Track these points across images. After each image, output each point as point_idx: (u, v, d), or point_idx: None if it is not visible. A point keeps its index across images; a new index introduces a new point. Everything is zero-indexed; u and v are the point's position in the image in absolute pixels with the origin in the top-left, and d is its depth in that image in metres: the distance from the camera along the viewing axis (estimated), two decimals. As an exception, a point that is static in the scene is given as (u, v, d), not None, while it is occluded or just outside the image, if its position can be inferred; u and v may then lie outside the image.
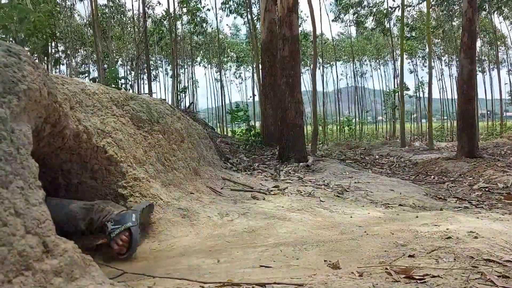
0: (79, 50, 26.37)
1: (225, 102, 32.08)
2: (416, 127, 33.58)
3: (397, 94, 20.12)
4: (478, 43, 24.61)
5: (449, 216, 2.96)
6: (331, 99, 36.82)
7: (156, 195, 2.90)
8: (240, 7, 19.93)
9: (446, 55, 31.52)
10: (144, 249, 2.43)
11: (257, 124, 15.13)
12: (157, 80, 35.87)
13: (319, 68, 30.97)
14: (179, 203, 3.03)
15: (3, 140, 1.25)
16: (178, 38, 21.86)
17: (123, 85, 8.50)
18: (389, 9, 21.68)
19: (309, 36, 24.34)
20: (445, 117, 33.79)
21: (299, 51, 7.96)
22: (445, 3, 21.47)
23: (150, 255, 2.32)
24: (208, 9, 36.36)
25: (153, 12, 24.03)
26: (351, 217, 3.18)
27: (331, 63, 35.64)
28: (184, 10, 19.10)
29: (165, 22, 18.04)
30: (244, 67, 37.12)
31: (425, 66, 33.59)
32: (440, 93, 35.84)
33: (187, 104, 17.55)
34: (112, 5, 23.97)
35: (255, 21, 18.99)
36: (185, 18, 21.54)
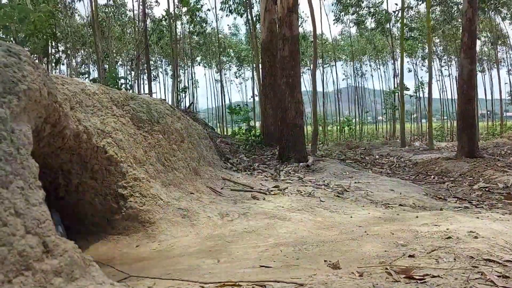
0: (80, 50, 26.38)
1: (225, 102, 32.11)
2: (416, 127, 33.58)
3: (397, 94, 20.13)
4: (478, 42, 24.67)
5: (449, 216, 2.96)
6: (331, 99, 36.83)
7: (156, 195, 2.90)
8: (240, 6, 19.92)
9: (446, 55, 31.54)
10: (144, 249, 2.43)
11: (257, 124, 15.13)
12: (157, 80, 35.91)
13: (319, 68, 31.03)
14: (179, 203, 3.03)
15: (3, 140, 1.25)
16: (178, 38, 21.88)
17: (123, 85, 8.51)
18: (393, 12, 21.73)
19: (308, 37, 24.34)
20: (445, 117, 33.79)
21: (299, 51, 7.96)
22: (445, 3, 21.50)
23: (151, 255, 2.32)
24: (208, 9, 36.34)
25: (151, 12, 24.06)
26: (351, 217, 3.18)
27: (331, 64, 35.68)
28: (184, 9, 19.11)
29: (164, 22, 18.06)
30: (244, 67, 37.16)
31: (424, 66, 33.65)
32: (440, 93, 35.86)
33: (187, 104, 17.56)
34: (112, 4, 23.98)
35: (255, 21, 19.00)
36: (184, 18, 21.58)
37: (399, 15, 16.93)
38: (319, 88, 29.45)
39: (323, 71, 33.14)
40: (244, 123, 10.90)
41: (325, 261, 1.97)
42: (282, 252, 2.17)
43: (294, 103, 7.47)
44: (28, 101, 1.50)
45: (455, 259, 1.81)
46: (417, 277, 1.58)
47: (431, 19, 17.98)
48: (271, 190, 4.29)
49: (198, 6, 18.91)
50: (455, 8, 21.93)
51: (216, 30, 28.72)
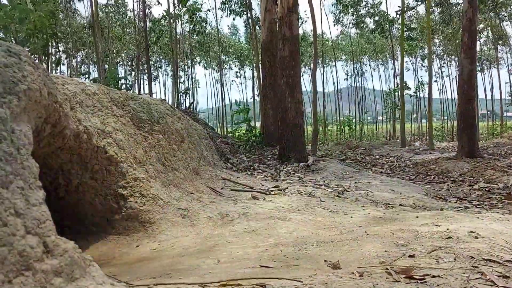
0: (80, 50, 26.39)
1: (225, 103, 32.12)
2: (416, 127, 33.58)
3: (397, 94, 20.13)
4: (478, 42, 24.65)
5: (449, 216, 2.96)
6: (331, 99, 36.83)
7: (156, 195, 2.90)
8: (242, 8, 19.90)
9: (446, 55, 31.52)
10: (144, 249, 2.43)
11: (257, 124, 15.13)
12: (158, 81, 35.93)
13: (319, 68, 31.02)
14: (179, 203, 3.04)
15: (4, 140, 1.25)
16: (178, 38, 21.86)
17: (123, 86, 8.50)
18: (395, 13, 21.75)
19: (307, 37, 24.34)
20: (445, 117, 33.79)
21: (299, 51, 7.96)
22: (444, 4, 21.50)
23: (151, 255, 2.32)
24: (208, 9, 36.33)
25: (150, 11, 24.03)
26: (351, 217, 3.18)
27: (331, 64, 35.69)
28: (184, 9, 19.10)
29: (163, 22, 18.05)
30: (244, 67, 37.17)
31: (424, 66, 33.65)
32: (440, 93, 35.86)
33: (187, 104, 17.55)
34: (113, 3, 23.97)
35: (255, 21, 18.99)
36: (184, 18, 21.55)
37: (399, 15, 16.94)
38: (319, 88, 29.47)
39: (323, 71, 33.15)
40: (245, 123, 10.90)
41: (325, 261, 1.97)
42: (282, 252, 2.17)
43: (294, 103, 7.47)
44: (28, 101, 1.50)
45: (455, 259, 1.81)
46: (417, 277, 1.58)
47: (431, 20, 17.99)
48: (271, 190, 4.29)
49: (198, 7, 18.91)
50: (455, 9, 21.93)
51: (216, 30, 28.73)
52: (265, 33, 10.64)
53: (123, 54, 28.39)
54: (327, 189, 4.68)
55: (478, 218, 2.93)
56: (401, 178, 6.53)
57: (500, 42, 27.50)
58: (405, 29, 18.01)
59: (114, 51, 25.41)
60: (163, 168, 3.32)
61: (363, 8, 23.57)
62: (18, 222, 1.15)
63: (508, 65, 29.74)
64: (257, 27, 19.04)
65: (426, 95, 21.47)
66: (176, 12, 18.20)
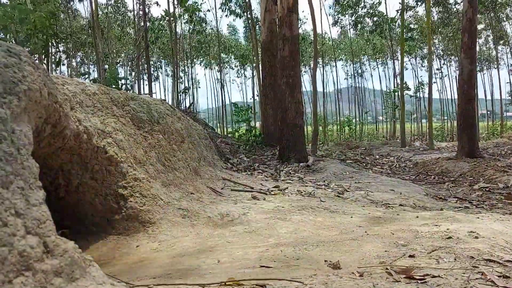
0: (80, 50, 26.39)
1: (225, 103, 32.11)
2: (416, 127, 33.57)
3: (397, 94, 20.13)
4: (478, 42, 24.63)
5: (449, 216, 2.96)
6: (331, 99, 36.83)
7: (157, 195, 2.90)
8: (243, 6, 19.90)
9: (446, 55, 31.51)
10: (144, 249, 2.43)
11: (257, 124, 15.13)
12: (158, 81, 35.92)
13: (319, 68, 31.03)
14: (179, 203, 3.04)
15: (4, 140, 1.25)
16: (178, 37, 21.86)
17: (123, 86, 8.51)
18: (396, 12, 21.76)
19: (307, 38, 24.34)
20: (445, 117, 33.77)
21: (299, 51, 7.97)
22: (444, 4, 21.50)
23: (151, 255, 2.32)
24: (208, 10, 36.36)
25: (149, 11, 24.04)
26: (351, 217, 3.17)
27: (331, 64, 35.70)
28: (183, 9, 19.10)
29: (163, 22, 18.04)
30: (244, 67, 37.16)
31: (423, 66, 33.63)
32: (440, 93, 35.84)
33: (188, 104, 17.55)
34: (114, 3, 23.96)
35: (254, 21, 18.99)
36: (184, 17, 21.54)
37: (399, 14, 16.94)
38: (320, 88, 29.48)
39: (323, 70, 33.15)
40: (245, 123, 10.90)
41: (325, 261, 1.97)
42: (282, 252, 2.17)
43: (294, 103, 7.47)
44: (29, 101, 1.50)
45: (455, 259, 1.81)
46: (417, 277, 1.58)
47: (431, 20, 17.99)
48: (271, 190, 4.29)
49: (197, 7, 18.90)
50: (454, 9, 21.94)
51: (216, 30, 28.72)
52: (265, 33, 10.65)
53: (123, 54, 28.39)
54: (327, 189, 4.68)
55: (478, 218, 2.93)
56: (401, 178, 6.53)
57: (501, 42, 27.48)
58: (404, 30, 18.03)
59: (114, 51, 25.41)
60: (163, 168, 3.32)
61: (361, 9, 23.57)
62: (19, 222, 1.15)
63: (508, 65, 29.73)
64: (257, 27, 19.04)
65: (426, 95, 21.49)
66: (175, 12, 18.21)
